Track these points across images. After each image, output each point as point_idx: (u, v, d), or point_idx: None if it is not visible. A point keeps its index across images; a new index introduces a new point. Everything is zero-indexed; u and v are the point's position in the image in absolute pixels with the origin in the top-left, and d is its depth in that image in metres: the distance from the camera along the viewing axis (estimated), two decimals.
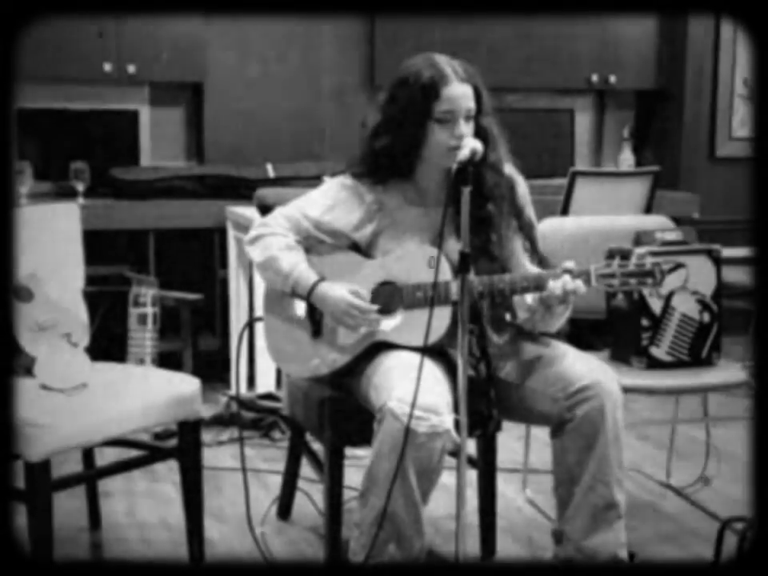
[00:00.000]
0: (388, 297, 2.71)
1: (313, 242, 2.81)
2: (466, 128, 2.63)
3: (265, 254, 2.76)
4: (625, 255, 2.93)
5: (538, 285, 2.58)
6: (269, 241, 2.77)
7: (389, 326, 2.70)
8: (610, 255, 3.18)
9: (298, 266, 2.73)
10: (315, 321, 2.77)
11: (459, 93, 2.63)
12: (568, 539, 2.67)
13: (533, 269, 2.74)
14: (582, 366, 2.66)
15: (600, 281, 2.57)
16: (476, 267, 2.68)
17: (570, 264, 2.57)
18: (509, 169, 2.76)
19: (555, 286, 2.54)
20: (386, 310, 2.71)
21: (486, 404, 2.71)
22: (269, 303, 2.86)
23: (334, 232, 2.80)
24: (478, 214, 2.67)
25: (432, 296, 2.46)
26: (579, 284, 2.55)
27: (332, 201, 2.79)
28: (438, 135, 2.64)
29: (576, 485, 2.64)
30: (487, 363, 2.72)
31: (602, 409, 2.59)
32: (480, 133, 2.67)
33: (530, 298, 2.67)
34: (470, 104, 2.65)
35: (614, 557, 2.64)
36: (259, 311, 3.13)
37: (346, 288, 2.69)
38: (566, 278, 2.55)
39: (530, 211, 2.78)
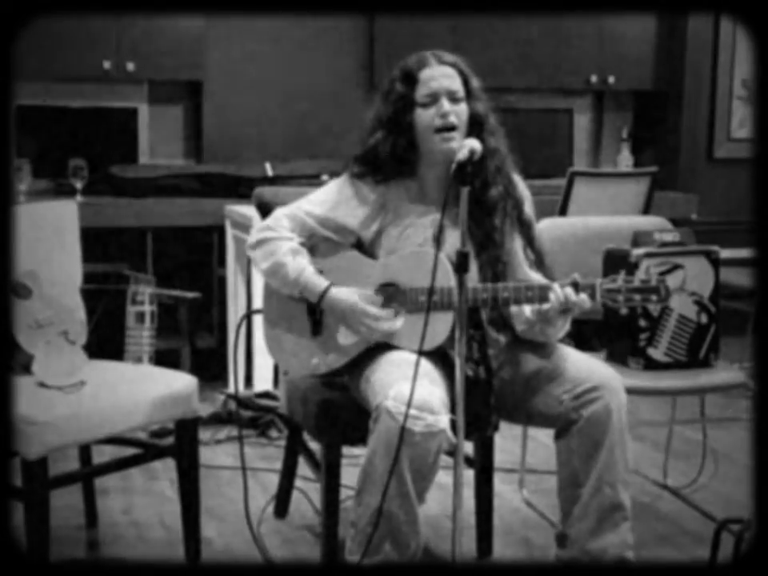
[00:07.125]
0: (390, 299, 2.70)
1: (317, 241, 2.79)
2: (451, 107, 2.64)
3: (270, 260, 2.73)
4: (630, 269, 2.91)
5: (543, 295, 2.57)
6: (273, 246, 2.74)
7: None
8: (609, 257, 3.18)
9: (304, 271, 2.70)
10: (315, 319, 2.76)
11: (437, 73, 2.65)
12: (573, 542, 2.64)
13: (533, 274, 2.74)
14: (587, 367, 2.66)
15: (605, 296, 2.56)
16: (480, 257, 2.68)
17: (576, 276, 2.57)
18: (508, 166, 2.74)
19: (559, 296, 2.54)
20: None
21: (485, 408, 2.71)
22: (268, 299, 2.85)
23: (341, 228, 2.78)
24: (481, 199, 2.66)
25: (429, 300, 2.44)
26: (584, 297, 2.54)
27: (337, 198, 2.77)
28: (423, 118, 2.65)
29: (582, 487, 2.62)
30: (487, 367, 2.71)
31: (608, 409, 2.58)
32: (474, 118, 2.68)
33: (528, 311, 2.66)
34: (453, 85, 2.66)
35: (621, 558, 2.62)
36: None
37: (357, 294, 2.68)
38: (570, 290, 2.54)
39: (528, 208, 2.77)
